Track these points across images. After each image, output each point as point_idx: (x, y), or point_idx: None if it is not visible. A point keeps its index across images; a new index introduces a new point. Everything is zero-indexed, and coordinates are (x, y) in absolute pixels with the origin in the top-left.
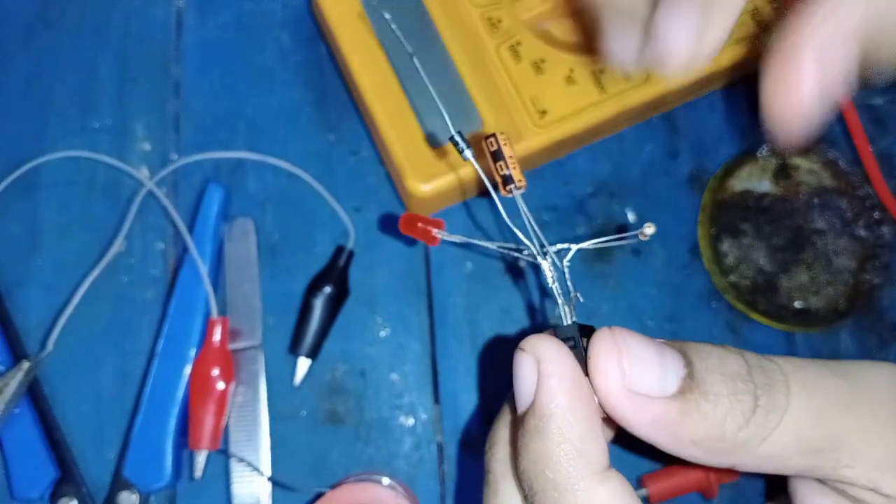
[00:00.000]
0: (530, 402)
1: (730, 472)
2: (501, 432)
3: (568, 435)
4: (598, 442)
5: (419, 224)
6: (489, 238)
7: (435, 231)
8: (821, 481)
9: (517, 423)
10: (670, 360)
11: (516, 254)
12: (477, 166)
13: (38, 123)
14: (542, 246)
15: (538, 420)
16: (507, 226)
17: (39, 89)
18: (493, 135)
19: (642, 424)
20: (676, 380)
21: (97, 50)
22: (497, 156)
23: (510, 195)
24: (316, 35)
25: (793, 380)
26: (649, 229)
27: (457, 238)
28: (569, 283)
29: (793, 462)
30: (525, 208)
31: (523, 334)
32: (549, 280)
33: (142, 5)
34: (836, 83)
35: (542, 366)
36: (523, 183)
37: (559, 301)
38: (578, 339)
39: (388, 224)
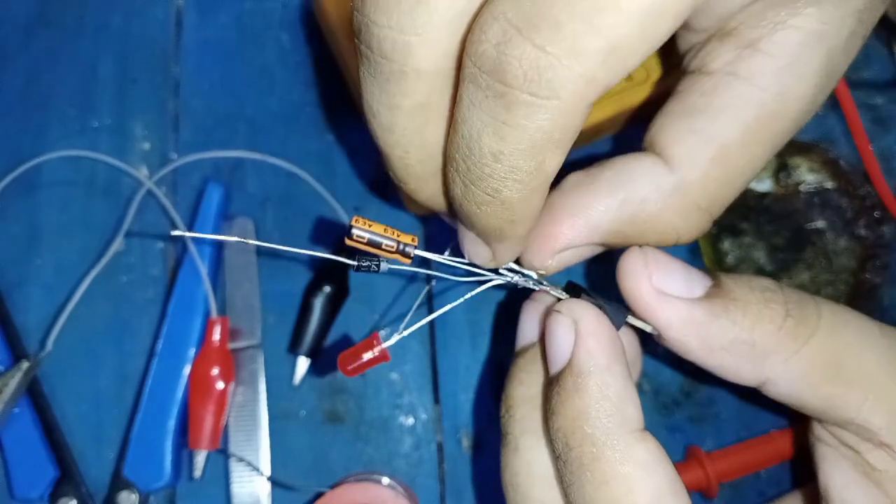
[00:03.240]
0: (566, 362)
1: (730, 471)
2: (517, 392)
3: (607, 392)
4: (635, 402)
5: (357, 362)
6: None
7: (375, 349)
8: (847, 462)
9: (548, 382)
10: (696, 272)
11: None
12: (402, 266)
13: (38, 123)
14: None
15: (576, 378)
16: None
17: (39, 89)
18: (351, 227)
19: (672, 324)
20: (702, 286)
21: (97, 50)
22: (374, 243)
23: (410, 259)
24: (316, 35)
25: (825, 307)
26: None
27: (400, 334)
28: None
29: (821, 391)
30: (450, 259)
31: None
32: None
33: (142, 5)
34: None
35: (580, 326)
36: (414, 239)
37: (536, 288)
38: (599, 301)
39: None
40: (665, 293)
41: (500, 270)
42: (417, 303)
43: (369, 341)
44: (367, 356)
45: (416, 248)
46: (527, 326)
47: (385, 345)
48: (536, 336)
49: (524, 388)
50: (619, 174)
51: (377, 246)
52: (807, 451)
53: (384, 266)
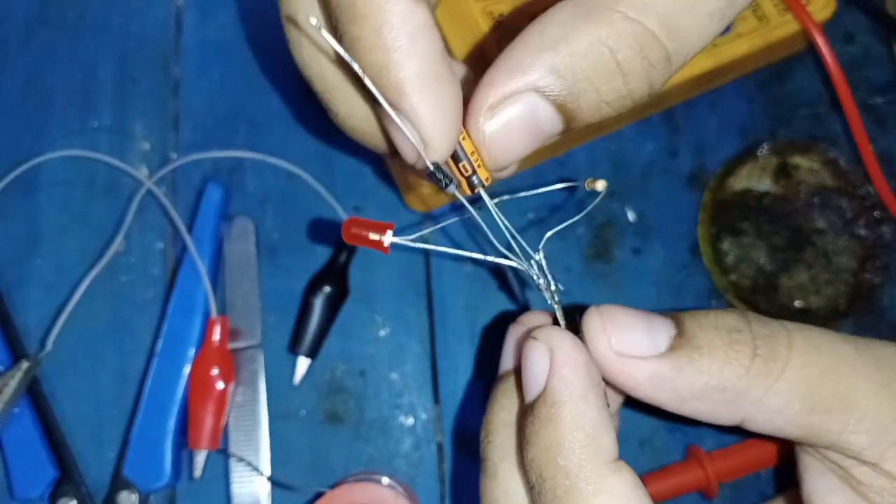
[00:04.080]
0: (540, 391)
1: (730, 471)
2: (497, 418)
3: (581, 423)
4: (609, 432)
5: (363, 232)
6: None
7: (385, 238)
8: (831, 474)
9: (523, 411)
10: (658, 323)
11: (500, 261)
12: (463, 200)
13: (38, 123)
14: (523, 251)
15: (550, 407)
16: (506, 226)
17: (39, 89)
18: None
19: (639, 384)
20: (666, 339)
21: (97, 50)
22: (456, 157)
23: (473, 194)
24: None
25: (796, 336)
26: (600, 184)
27: (413, 244)
28: (549, 275)
29: (800, 421)
30: (497, 211)
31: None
32: (535, 277)
33: (141, 5)
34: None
35: (555, 354)
36: (489, 180)
37: (546, 295)
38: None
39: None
40: (627, 355)
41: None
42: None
43: (383, 226)
44: (372, 236)
45: (484, 189)
46: (510, 350)
47: (391, 240)
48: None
49: (505, 414)
50: (541, 16)
51: (456, 161)
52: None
53: (452, 188)
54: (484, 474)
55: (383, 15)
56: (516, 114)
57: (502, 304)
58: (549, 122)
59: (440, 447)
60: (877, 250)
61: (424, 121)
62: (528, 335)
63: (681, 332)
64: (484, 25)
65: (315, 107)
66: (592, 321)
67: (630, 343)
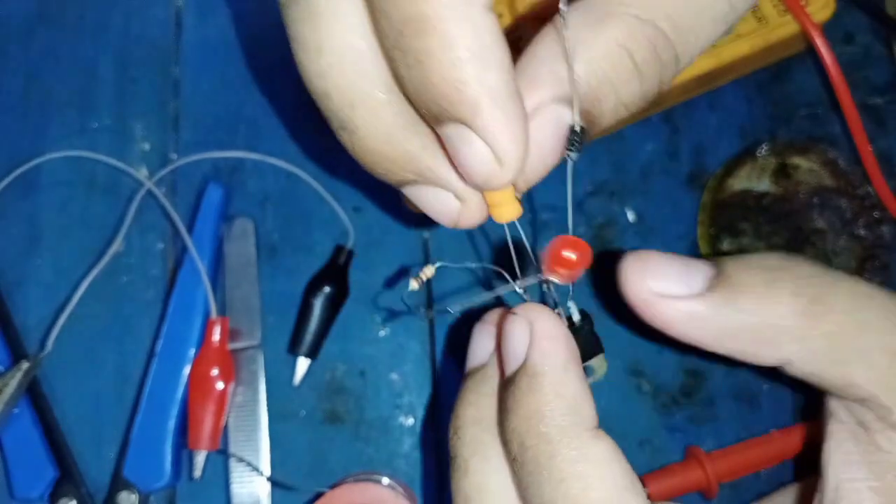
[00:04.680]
0: (520, 363)
1: (730, 471)
2: (466, 413)
3: (561, 391)
4: (589, 401)
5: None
6: (485, 249)
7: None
8: (853, 444)
9: (503, 385)
10: (696, 264)
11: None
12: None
13: (38, 123)
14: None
15: (531, 378)
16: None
17: (39, 89)
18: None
19: (674, 322)
20: (703, 279)
21: (97, 50)
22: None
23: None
24: None
25: (842, 283)
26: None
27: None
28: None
29: (840, 370)
30: (528, 245)
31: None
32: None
33: (141, 5)
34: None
35: (535, 326)
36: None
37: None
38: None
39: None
40: (664, 294)
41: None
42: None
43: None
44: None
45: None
46: (477, 347)
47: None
48: (487, 357)
49: (473, 410)
50: (550, 23)
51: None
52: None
53: (574, 154)
54: (454, 472)
55: (458, 26)
56: (543, 127)
57: (503, 303)
58: (566, 122)
59: (440, 447)
60: (876, 250)
61: (501, 137)
62: (507, 312)
63: (720, 272)
64: None
65: (315, 107)
66: (630, 262)
67: (667, 282)
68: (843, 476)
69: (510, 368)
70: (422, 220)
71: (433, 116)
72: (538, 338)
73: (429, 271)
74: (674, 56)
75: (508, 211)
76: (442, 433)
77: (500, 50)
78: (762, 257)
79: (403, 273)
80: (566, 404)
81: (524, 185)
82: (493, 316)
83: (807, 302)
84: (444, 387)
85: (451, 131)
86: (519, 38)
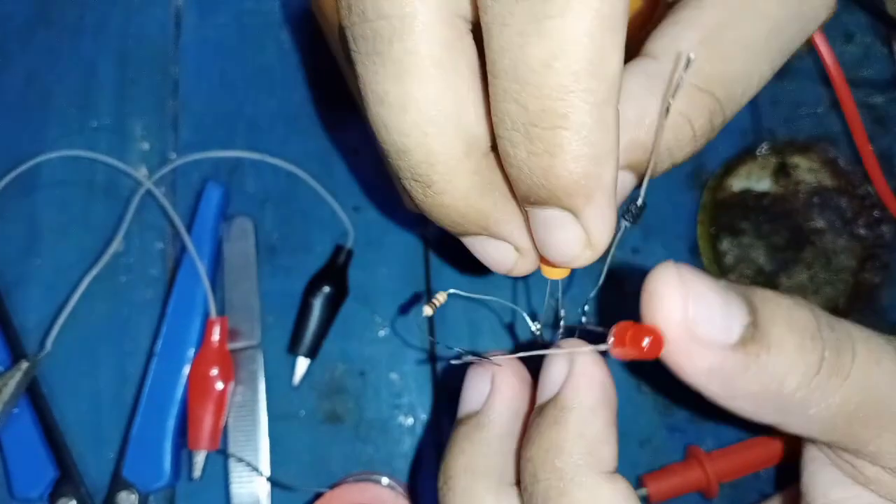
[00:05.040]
0: (553, 395)
1: (730, 471)
2: (458, 462)
3: (584, 431)
4: (611, 447)
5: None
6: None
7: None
8: (834, 467)
9: (535, 414)
10: (735, 305)
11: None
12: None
13: (38, 123)
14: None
15: (558, 411)
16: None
17: (39, 89)
18: None
19: (697, 374)
20: (740, 326)
21: (97, 50)
22: None
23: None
24: (316, 35)
25: (860, 346)
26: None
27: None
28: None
29: (838, 431)
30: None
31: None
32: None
33: (141, 5)
34: None
35: (574, 364)
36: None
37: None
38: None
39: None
40: (699, 335)
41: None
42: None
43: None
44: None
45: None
46: (471, 392)
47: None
48: (481, 403)
49: (465, 458)
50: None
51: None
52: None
53: (629, 224)
54: None
55: (597, 127)
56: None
57: (502, 304)
58: (629, 187)
59: (440, 447)
60: (876, 250)
61: (601, 227)
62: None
63: (754, 322)
64: None
65: (315, 107)
66: (668, 279)
67: (705, 324)
68: (831, 496)
69: (542, 399)
70: (421, 221)
71: (535, 198)
72: (575, 374)
73: (441, 297)
74: (724, 120)
75: (561, 272)
76: (443, 434)
77: (618, 146)
78: (792, 311)
79: (416, 299)
80: (586, 444)
81: (600, 247)
82: (488, 361)
83: (827, 374)
84: (444, 387)
85: (550, 214)
86: None
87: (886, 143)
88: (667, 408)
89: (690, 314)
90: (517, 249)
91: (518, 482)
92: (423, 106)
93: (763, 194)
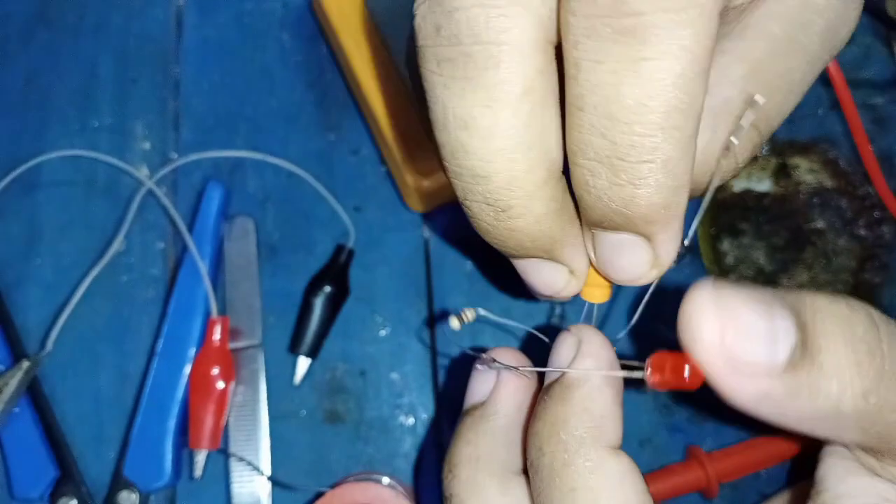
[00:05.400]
0: (560, 375)
1: (730, 471)
2: (463, 451)
3: (589, 406)
4: (616, 423)
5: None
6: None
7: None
8: (854, 460)
9: (542, 393)
10: (781, 323)
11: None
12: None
13: (38, 123)
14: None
15: (564, 388)
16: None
17: (39, 89)
18: None
19: (745, 402)
20: (787, 348)
21: (97, 50)
22: None
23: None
24: (316, 34)
25: None
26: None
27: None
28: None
29: (884, 440)
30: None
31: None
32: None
33: (142, 5)
34: None
35: (583, 346)
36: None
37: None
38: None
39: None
40: (740, 363)
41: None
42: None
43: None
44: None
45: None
46: (477, 384)
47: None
48: (486, 395)
49: (471, 448)
50: None
51: None
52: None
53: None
54: None
55: (682, 154)
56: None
57: (503, 303)
58: None
59: (440, 447)
60: (876, 250)
61: (670, 249)
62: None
63: (804, 340)
64: None
65: (315, 107)
66: (705, 308)
67: (746, 351)
68: (842, 488)
69: (549, 378)
70: (423, 220)
71: (608, 224)
72: (582, 354)
73: (469, 315)
74: (761, 150)
75: (602, 294)
76: (443, 434)
77: (691, 176)
78: (850, 321)
79: (444, 315)
80: (591, 419)
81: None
82: (494, 353)
83: (886, 388)
84: (445, 387)
85: (621, 238)
86: None
87: (886, 143)
88: (667, 408)
89: (729, 342)
90: (572, 272)
91: (523, 471)
92: (511, 133)
93: (763, 195)
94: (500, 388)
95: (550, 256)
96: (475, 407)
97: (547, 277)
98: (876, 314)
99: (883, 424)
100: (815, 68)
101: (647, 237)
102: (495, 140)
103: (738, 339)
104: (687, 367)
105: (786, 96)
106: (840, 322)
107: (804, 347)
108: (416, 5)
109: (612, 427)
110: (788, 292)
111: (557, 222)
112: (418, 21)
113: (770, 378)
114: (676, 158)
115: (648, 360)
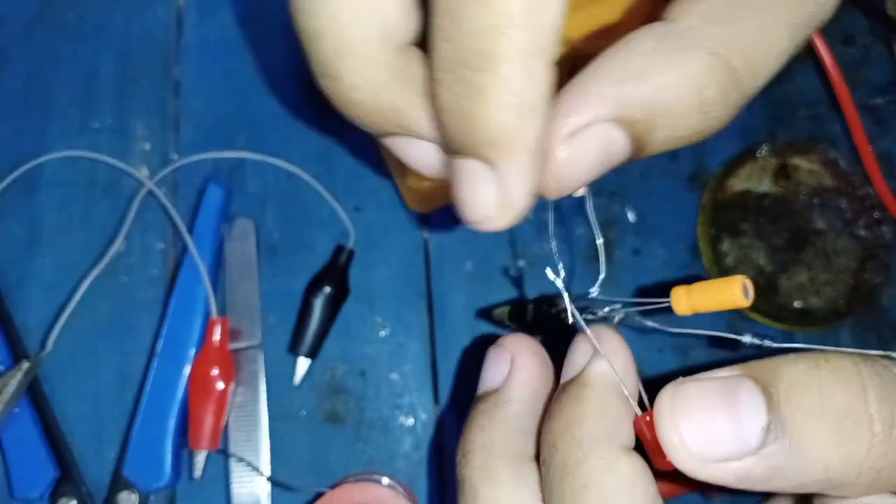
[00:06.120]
0: (576, 374)
1: None
2: (477, 438)
3: (604, 407)
4: (630, 424)
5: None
6: (487, 235)
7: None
8: None
9: (558, 391)
10: (746, 408)
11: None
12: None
13: (38, 123)
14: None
15: (581, 388)
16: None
17: (39, 89)
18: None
19: (730, 484)
20: (757, 432)
21: (97, 50)
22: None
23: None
24: None
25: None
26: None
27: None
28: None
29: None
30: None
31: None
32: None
33: (142, 5)
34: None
35: (601, 346)
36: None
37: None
38: None
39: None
40: (709, 459)
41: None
42: None
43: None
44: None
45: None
46: (491, 370)
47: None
48: (500, 381)
49: (485, 434)
50: (619, 42)
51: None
52: None
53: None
54: (462, 496)
55: (522, 75)
56: (591, 143)
57: (502, 303)
58: (620, 152)
59: (440, 447)
60: (876, 250)
61: (517, 188)
62: (524, 338)
63: (776, 419)
64: None
65: (315, 107)
66: (663, 412)
67: (712, 446)
68: None
69: (566, 377)
70: (423, 220)
71: (456, 146)
72: (599, 356)
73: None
74: (742, 94)
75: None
76: (443, 434)
77: (547, 103)
78: (824, 389)
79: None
80: (606, 419)
81: (556, 194)
82: (508, 341)
83: (876, 455)
84: (444, 387)
85: (468, 166)
86: (572, 69)
87: (886, 144)
88: None
89: (691, 444)
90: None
91: (536, 457)
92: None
93: (763, 195)
94: (514, 375)
95: (406, 130)
96: (489, 393)
97: (417, 155)
98: (865, 369)
99: (879, 483)
100: (795, 16)
101: (492, 165)
102: None
103: (700, 441)
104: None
105: (765, 32)
106: (815, 393)
107: (778, 424)
108: None
109: (627, 428)
110: (758, 364)
111: (401, 95)
112: None
113: (747, 461)
114: (518, 73)
115: (649, 411)
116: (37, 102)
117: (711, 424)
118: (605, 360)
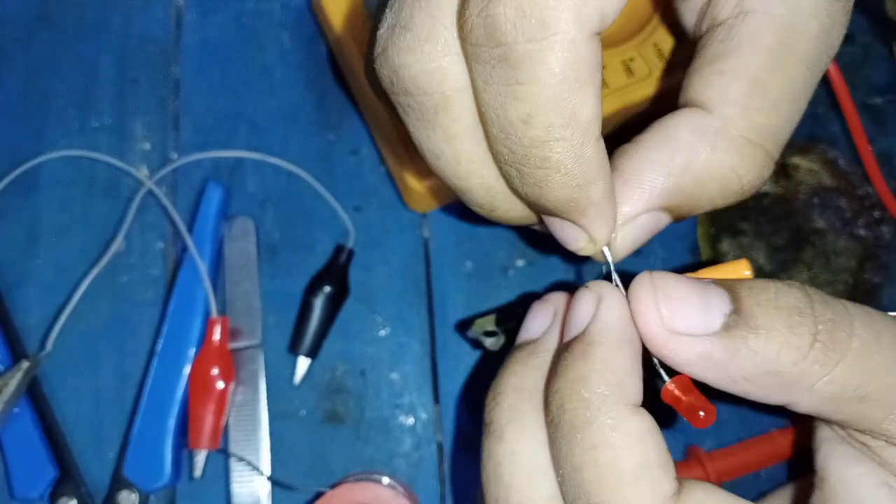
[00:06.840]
0: (580, 332)
1: (730, 471)
2: (509, 381)
3: (611, 364)
4: (637, 382)
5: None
6: (487, 235)
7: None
8: (849, 445)
9: (558, 352)
10: (715, 297)
11: None
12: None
13: (38, 123)
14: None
15: (585, 346)
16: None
17: (39, 89)
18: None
19: (689, 363)
20: (720, 316)
21: (97, 50)
22: None
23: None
24: (316, 35)
25: (857, 322)
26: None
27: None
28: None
29: (847, 409)
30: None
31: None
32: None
33: (142, 5)
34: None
35: (602, 303)
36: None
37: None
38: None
39: (391, 225)
40: (679, 333)
41: None
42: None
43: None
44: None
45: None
46: (533, 322)
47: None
48: (539, 333)
49: (517, 379)
50: (662, 131)
51: None
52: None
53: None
54: (487, 437)
55: (573, 157)
56: (642, 228)
57: (502, 303)
58: (664, 224)
59: (440, 447)
60: (876, 250)
61: (597, 229)
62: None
63: (737, 309)
64: None
65: (315, 107)
66: (642, 288)
67: (682, 319)
68: (847, 473)
69: (569, 335)
70: (421, 220)
71: (539, 210)
72: (602, 311)
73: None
74: (772, 169)
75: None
76: (444, 434)
77: (602, 167)
78: (780, 292)
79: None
80: (613, 376)
81: (617, 258)
82: (554, 296)
83: (822, 349)
84: (445, 387)
85: (551, 219)
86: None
87: (886, 143)
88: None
89: (664, 312)
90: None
91: None
92: (471, 158)
93: (763, 195)
94: (554, 328)
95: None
96: (527, 343)
97: (565, 232)
98: (811, 290)
99: (832, 387)
100: (815, 73)
101: (571, 221)
102: (462, 165)
103: (673, 308)
104: (702, 413)
105: (791, 107)
106: (770, 293)
107: (738, 314)
108: (374, 59)
109: (633, 385)
110: (728, 280)
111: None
112: (377, 71)
113: (708, 340)
114: (570, 163)
115: (671, 381)
116: (36, 102)
117: (684, 303)
118: (609, 315)
